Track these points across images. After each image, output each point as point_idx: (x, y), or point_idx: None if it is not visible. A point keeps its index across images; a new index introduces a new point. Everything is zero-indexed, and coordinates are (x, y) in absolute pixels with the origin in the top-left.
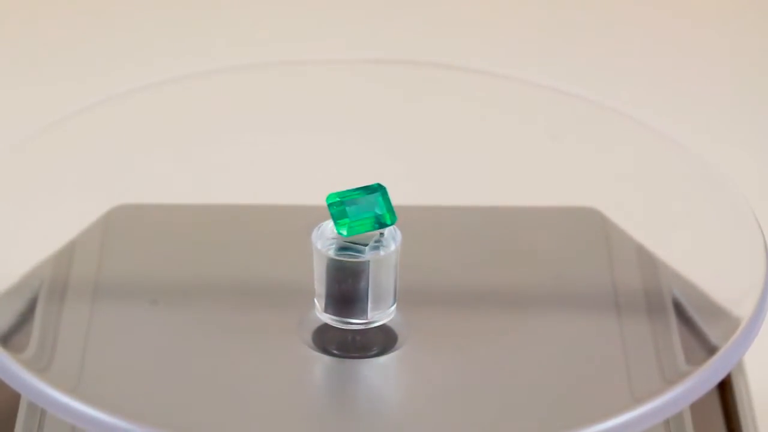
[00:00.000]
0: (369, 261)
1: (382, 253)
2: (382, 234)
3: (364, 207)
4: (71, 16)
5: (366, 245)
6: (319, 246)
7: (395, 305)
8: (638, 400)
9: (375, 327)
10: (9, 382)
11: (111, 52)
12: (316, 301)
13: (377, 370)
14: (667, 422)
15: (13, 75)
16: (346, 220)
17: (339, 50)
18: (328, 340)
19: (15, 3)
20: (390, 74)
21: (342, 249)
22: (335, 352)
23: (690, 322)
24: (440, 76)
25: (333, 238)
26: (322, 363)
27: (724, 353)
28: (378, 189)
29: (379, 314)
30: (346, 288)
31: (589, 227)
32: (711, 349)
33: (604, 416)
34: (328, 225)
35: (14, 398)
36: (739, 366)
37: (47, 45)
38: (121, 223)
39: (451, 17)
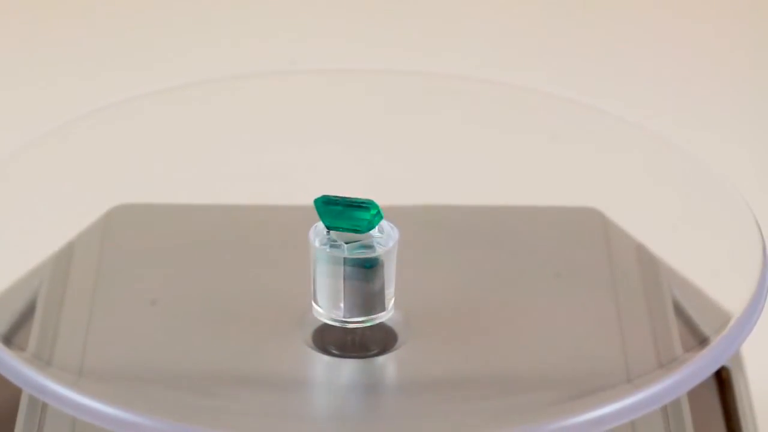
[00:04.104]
0: (364, 259)
1: (378, 250)
2: (380, 232)
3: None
4: (75, 18)
5: (365, 244)
6: (316, 244)
7: (393, 303)
8: (636, 387)
9: (375, 326)
10: (10, 378)
11: (113, 54)
12: (313, 300)
13: (377, 369)
14: (667, 423)
15: (14, 76)
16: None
17: (339, 53)
18: (327, 340)
19: (21, 5)
20: (390, 80)
21: (338, 247)
22: (335, 351)
23: (689, 321)
24: (440, 83)
25: (330, 237)
26: (322, 363)
27: (720, 341)
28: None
29: (377, 312)
30: (344, 286)
31: (589, 227)
32: None
33: (602, 402)
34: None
35: (14, 397)
36: (739, 365)
37: (49, 47)
38: (121, 223)
39: (451, 19)
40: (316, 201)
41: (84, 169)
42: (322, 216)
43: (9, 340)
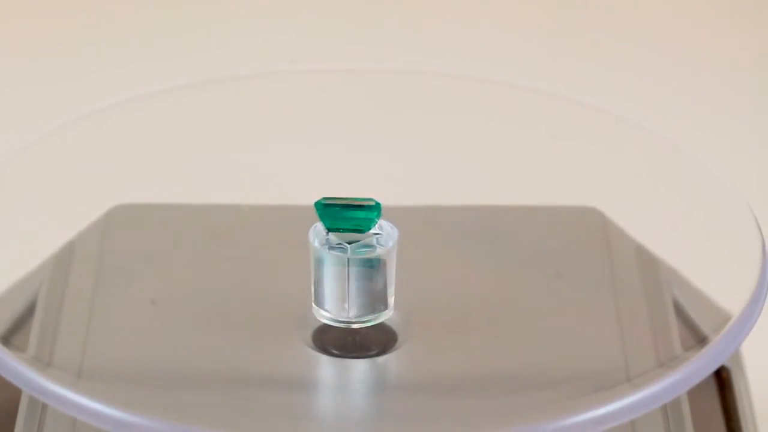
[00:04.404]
0: (365, 259)
1: (378, 250)
2: (379, 232)
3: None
4: (75, 18)
5: (365, 243)
6: (316, 245)
7: (393, 304)
8: (636, 386)
9: (375, 326)
10: (10, 379)
11: (114, 54)
12: (313, 300)
13: (377, 370)
14: (667, 423)
15: (14, 76)
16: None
17: (339, 53)
18: (327, 340)
19: (21, 5)
20: (390, 80)
21: (338, 248)
22: (335, 352)
23: (689, 321)
24: (440, 83)
25: (329, 237)
26: (322, 363)
27: (719, 340)
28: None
29: (377, 312)
30: (343, 286)
31: (589, 227)
32: None
33: (602, 402)
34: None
35: (14, 397)
36: (739, 365)
37: (49, 47)
38: (121, 223)
39: (451, 19)
40: (317, 204)
41: (84, 169)
42: (324, 219)
43: (9, 340)
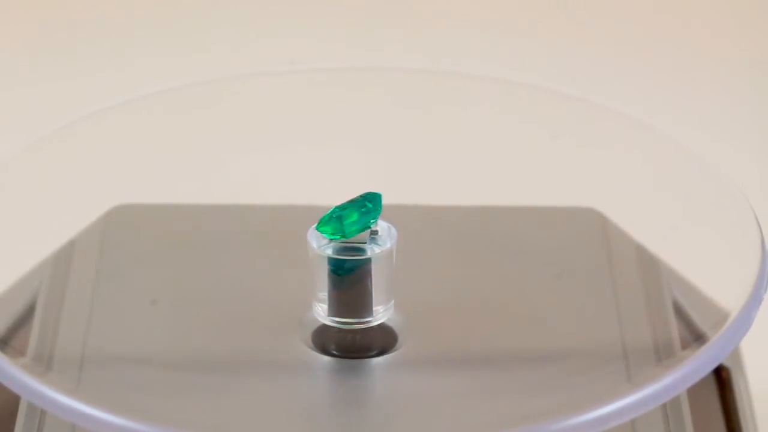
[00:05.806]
0: (363, 259)
1: (377, 250)
2: (376, 232)
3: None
4: (76, 18)
5: (362, 244)
6: (314, 245)
7: (393, 304)
8: (636, 386)
9: (375, 327)
10: (8, 385)
11: (114, 54)
12: (313, 301)
13: (377, 370)
14: (667, 423)
15: (14, 77)
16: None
17: (339, 53)
18: (328, 340)
19: (21, 5)
20: (389, 79)
21: (337, 248)
22: (335, 352)
23: (689, 321)
24: (440, 82)
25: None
26: (322, 363)
27: (718, 338)
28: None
29: (376, 313)
30: (342, 287)
31: (589, 227)
32: None
33: (602, 402)
34: None
35: (14, 399)
36: (739, 365)
37: (50, 48)
38: (121, 223)
39: (452, 17)
40: (319, 227)
41: (84, 169)
42: (333, 233)
43: (8, 341)
